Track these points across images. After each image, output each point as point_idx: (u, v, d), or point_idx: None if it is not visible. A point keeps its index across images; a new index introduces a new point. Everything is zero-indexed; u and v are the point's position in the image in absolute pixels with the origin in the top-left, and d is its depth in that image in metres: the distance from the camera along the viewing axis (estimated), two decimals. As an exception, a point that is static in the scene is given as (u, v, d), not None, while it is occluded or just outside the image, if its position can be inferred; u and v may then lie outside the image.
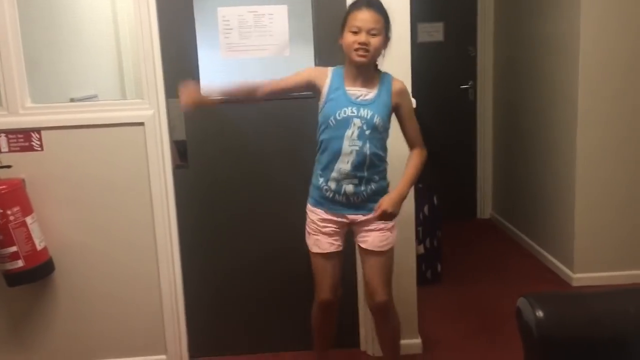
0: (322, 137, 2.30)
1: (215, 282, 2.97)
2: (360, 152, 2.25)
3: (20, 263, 2.59)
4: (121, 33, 4.15)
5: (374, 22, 2.19)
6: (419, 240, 3.73)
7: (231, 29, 2.73)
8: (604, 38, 3.53)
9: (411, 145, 2.39)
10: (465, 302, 3.61)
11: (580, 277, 3.72)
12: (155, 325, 2.92)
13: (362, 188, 2.30)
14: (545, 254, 4.12)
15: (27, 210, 2.63)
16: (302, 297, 2.70)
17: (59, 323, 2.88)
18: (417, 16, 4.54)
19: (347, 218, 2.35)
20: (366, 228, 2.35)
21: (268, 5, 2.73)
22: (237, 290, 2.98)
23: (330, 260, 2.39)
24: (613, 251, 3.73)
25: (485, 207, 5.30)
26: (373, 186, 2.31)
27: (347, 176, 2.27)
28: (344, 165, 2.26)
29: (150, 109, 2.74)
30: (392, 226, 2.37)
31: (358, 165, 2.26)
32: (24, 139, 2.71)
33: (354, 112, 2.24)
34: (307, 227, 2.42)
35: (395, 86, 2.31)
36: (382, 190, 2.35)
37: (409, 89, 2.76)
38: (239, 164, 2.88)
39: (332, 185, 2.30)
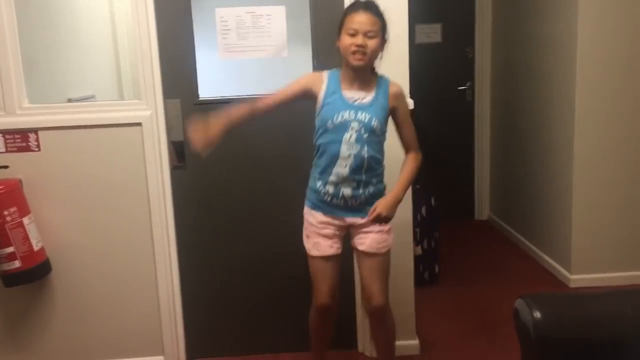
0: (320, 141, 2.30)
1: (212, 283, 2.97)
2: (358, 156, 2.25)
3: (17, 264, 2.58)
4: (119, 33, 4.15)
5: (370, 24, 2.19)
6: (417, 241, 3.73)
7: (229, 29, 2.73)
8: (601, 39, 3.53)
9: (407, 149, 2.40)
10: (462, 303, 3.61)
11: (578, 278, 3.72)
12: (152, 326, 2.91)
13: (360, 191, 2.30)
14: (543, 255, 4.13)
15: (24, 210, 2.62)
16: (299, 298, 2.70)
17: (56, 324, 2.88)
18: (415, 17, 4.54)
19: (345, 221, 2.35)
20: (364, 230, 2.35)
21: (266, 6, 2.73)
22: (234, 291, 2.98)
23: (329, 263, 2.39)
24: (610, 252, 3.73)
25: (483, 208, 5.31)
26: (371, 189, 2.32)
27: (345, 180, 2.27)
28: (342, 169, 2.26)
29: (147, 110, 2.74)
30: (389, 229, 2.38)
31: (356, 169, 2.26)
32: (21, 139, 2.71)
33: (351, 116, 2.24)
34: (304, 231, 2.41)
35: (393, 89, 2.31)
36: (380, 193, 2.35)
37: (407, 90, 2.77)
38: (237, 165, 2.88)
39: (330, 188, 2.30)
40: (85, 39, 3.83)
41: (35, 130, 2.71)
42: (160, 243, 2.83)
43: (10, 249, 2.56)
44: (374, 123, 2.24)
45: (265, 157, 2.86)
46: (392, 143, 2.41)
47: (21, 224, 2.59)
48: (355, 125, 2.23)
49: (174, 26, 2.72)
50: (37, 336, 2.88)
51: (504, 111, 4.87)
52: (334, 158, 2.26)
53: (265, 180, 2.89)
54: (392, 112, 2.32)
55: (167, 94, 2.75)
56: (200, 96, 2.79)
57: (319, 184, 2.32)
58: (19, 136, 2.71)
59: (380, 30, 2.23)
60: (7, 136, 2.70)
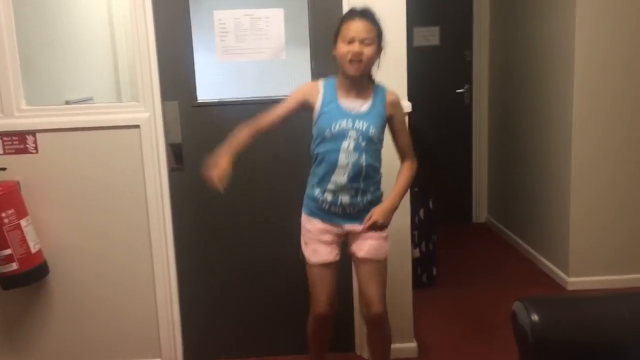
0: (318, 150, 2.29)
1: (210, 286, 2.96)
2: (356, 164, 2.25)
3: (14, 266, 2.58)
4: (117, 35, 4.15)
5: (366, 31, 2.19)
6: (415, 244, 3.73)
7: (227, 32, 2.73)
8: (599, 41, 3.54)
9: (402, 156, 2.40)
10: (460, 306, 3.61)
11: (575, 281, 3.73)
12: (150, 329, 2.91)
13: (359, 199, 2.30)
14: (541, 257, 4.13)
15: (21, 212, 2.62)
16: (298, 300, 2.70)
17: (54, 326, 2.87)
18: (414, 20, 4.55)
19: (343, 228, 2.35)
20: (362, 237, 2.35)
21: (264, 8, 2.73)
22: (232, 293, 2.98)
23: (327, 270, 2.38)
24: (608, 255, 3.74)
25: (481, 211, 5.31)
26: (369, 197, 2.32)
27: (344, 188, 2.27)
28: (341, 177, 2.26)
29: (145, 112, 2.74)
30: (386, 236, 2.38)
31: (354, 177, 2.26)
32: (19, 141, 2.71)
33: (349, 125, 2.24)
34: (302, 238, 2.41)
35: (389, 97, 2.32)
36: (377, 201, 2.36)
37: (405, 93, 2.78)
38: (235, 168, 2.87)
39: (329, 196, 2.30)
40: (83, 41, 3.83)
41: (33, 132, 2.71)
42: (158, 245, 2.83)
43: (8, 251, 2.56)
44: (372, 131, 2.25)
45: (264, 160, 2.86)
46: (389, 150, 2.41)
47: (19, 226, 2.59)
48: (353, 133, 2.23)
49: (172, 28, 2.72)
50: (35, 338, 2.88)
51: (502, 114, 4.88)
52: (333, 167, 2.26)
53: (264, 183, 2.89)
54: (389, 120, 2.32)
55: (165, 96, 2.75)
56: (198, 98, 2.79)
57: (317, 191, 2.32)
58: (16, 138, 2.70)
59: (377, 37, 2.23)
60: (4, 138, 2.70)
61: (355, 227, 2.34)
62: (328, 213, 2.32)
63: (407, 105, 2.77)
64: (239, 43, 2.74)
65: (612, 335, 1.66)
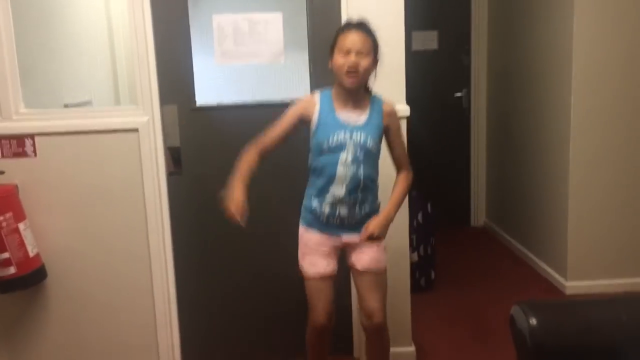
0: (316, 162, 2.30)
1: (209, 291, 2.95)
2: (354, 177, 2.25)
3: (12, 270, 2.57)
4: (116, 39, 4.15)
5: (362, 43, 2.20)
6: (413, 247, 3.73)
7: (226, 35, 2.74)
8: (597, 45, 3.55)
9: (398, 167, 2.41)
10: (458, 310, 3.61)
11: (574, 285, 3.73)
12: (148, 334, 2.90)
13: (357, 210, 2.30)
14: (539, 261, 4.13)
15: (19, 216, 2.62)
16: (297, 306, 2.69)
17: (51, 330, 2.87)
18: (412, 24, 4.56)
19: (341, 239, 2.35)
20: (361, 249, 2.35)
21: (263, 12, 2.74)
22: (231, 298, 2.97)
23: (325, 283, 2.37)
24: (606, 259, 3.74)
25: (479, 215, 5.32)
26: (367, 208, 2.32)
27: (342, 200, 2.27)
28: (339, 189, 2.26)
29: (144, 116, 2.74)
30: (384, 247, 2.39)
31: (353, 189, 2.27)
32: (18, 144, 2.71)
33: (346, 137, 2.24)
34: (300, 250, 2.40)
35: (386, 108, 2.32)
36: (375, 211, 2.36)
37: (403, 97, 2.78)
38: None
39: (327, 208, 2.30)
40: (82, 44, 3.83)
41: (31, 136, 2.71)
42: (156, 249, 2.82)
43: (6, 255, 2.55)
44: (370, 143, 2.25)
45: (263, 168, 2.85)
46: (385, 161, 2.42)
47: (17, 230, 2.58)
48: (350, 146, 2.24)
49: (171, 32, 2.73)
50: (32, 342, 2.87)
51: (500, 118, 4.88)
52: (331, 179, 2.26)
53: (262, 186, 2.87)
54: (385, 131, 2.32)
55: (164, 99, 2.76)
56: (197, 102, 2.79)
57: (314, 203, 2.32)
58: (15, 141, 2.70)
59: (373, 49, 2.24)
60: (3, 141, 2.70)
61: (353, 238, 2.34)
62: (326, 224, 2.33)
63: (405, 109, 2.77)
64: (238, 47, 2.75)
65: (610, 340, 1.66)
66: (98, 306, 2.86)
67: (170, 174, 2.82)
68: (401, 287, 2.93)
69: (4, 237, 2.53)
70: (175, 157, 2.82)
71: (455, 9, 5.06)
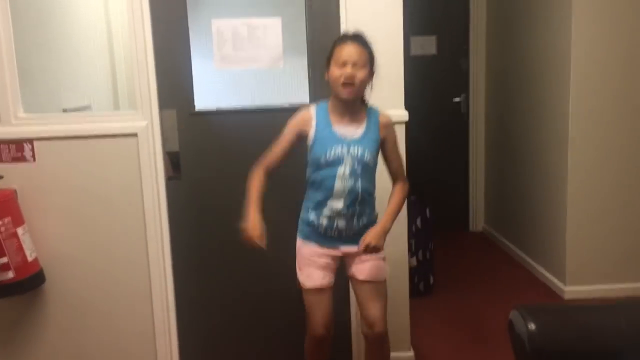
0: (313, 176, 2.30)
1: (208, 297, 2.94)
2: (352, 190, 2.26)
3: (10, 274, 2.57)
4: (115, 43, 4.16)
5: (359, 55, 2.20)
6: (412, 252, 3.73)
7: (225, 40, 2.74)
8: (595, 51, 3.56)
9: (394, 178, 2.41)
10: (457, 315, 3.61)
11: (573, 290, 3.73)
12: (146, 341, 2.88)
13: (354, 222, 2.31)
14: (538, 266, 4.13)
15: (18, 221, 2.61)
16: (296, 315, 2.68)
17: (49, 335, 2.86)
18: (410, 29, 4.58)
19: (340, 250, 2.35)
20: (361, 259, 2.35)
21: (262, 17, 2.74)
22: (230, 306, 2.95)
23: (323, 295, 2.37)
24: (605, 264, 3.74)
25: (478, 220, 5.32)
26: (364, 219, 2.33)
27: (340, 213, 2.28)
28: (337, 203, 2.27)
29: (143, 120, 2.74)
30: (384, 257, 2.39)
31: (351, 203, 2.27)
32: (16, 149, 2.71)
33: (344, 151, 2.24)
34: (297, 263, 2.40)
35: (383, 119, 2.32)
36: (372, 223, 2.36)
37: (402, 102, 2.79)
38: (232, 176, 2.87)
39: (324, 221, 2.30)
40: (81, 48, 3.83)
41: (30, 141, 2.71)
42: (154, 254, 2.82)
43: (4, 260, 2.54)
44: (367, 157, 2.26)
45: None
46: (381, 172, 2.42)
47: (15, 234, 2.58)
48: (348, 160, 2.24)
49: (171, 37, 2.73)
50: (30, 347, 2.86)
51: (499, 122, 4.89)
52: (329, 193, 2.27)
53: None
54: (382, 143, 2.32)
55: (163, 104, 2.75)
56: (196, 107, 2.80)
57: (312, 216, 2.32)
58: (14, 146, 2.70)
59: (369, 61, 2.24)
60: (2, 146, 2.69)
61: (352, 249, 2.34)
62: (324, 237, 2.33)
63: (404, 114, 2.78)
64: (237, 52, 2.75)
65: (609, 345, 1.66)
66: (96, 312, 2.85)
67: (169, 179, 2.82)
68: (400, 291, 2.93)
69: (2, 241, 2.53)
70: (174, 162, 2.82)
71: (453, 14, 5.08)
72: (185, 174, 2.83)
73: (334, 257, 2.36)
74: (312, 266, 2.35)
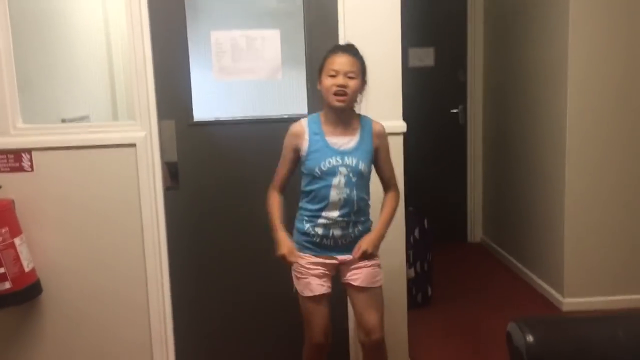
0: (309, 187, 2.31)
1: (205, 308, 2.93)
2: (348, 200, 2.27)
3: (7, 285, 2.56)
4: (114, 54, 4.17)
5: (350, 65, 2.23)
6: (410, 263, 3.72)
7: (224, 52, 2.75)
8: (592, 63, 3.58)
9: (386, 187, 2.43)
10: (455, 326, 3.60)
11: (571, 302, 3.72)
12: (143, 352, 2.87)
13: (350, 231, 2.32)
14: (536, 278, 4.13)
15: (15, 231, 2.61)
16: (294, 325, 2.68)
17: (45, 346, 2.84)
18: (409, 41, 4.60)
19: (336, 259, 2.36)
20: (356, 267, 2.36)
21: (261, 29, 2.76)
22: (227, 316, 2.95)
23: (321, 303, 2.38)
24: (603, 276, 3.74)
25: (476, 231, 5.32)
26: (360, 227, 2.34)
27: (336, 222, 2.29)
28: (333, 213, 2.28)
29: (142, 131, 2.75)
30: (379, 264, 2.40)
31: (346, 213, 2.29)
32: (15, 159, 2.71)
33: (338, 162, 2.26)
34: (294, 272, 2.40)
35: (376, 128, 2.34)
36: (367, 230, 2.38)
37: (400, 113, 2.80)
38: (230, 186, 2.88)
39: (320, 230, 2.31)
40: (80, 59, 3.84)
41: (28, 151, 2.71)
42: (152, 265, 2.81)
43: (1, 270, 2.53)
44: (361, 166, 2.28)
45: (259, 178, 2.85)
46: (376, 183, 2.43)
47: (12, 245, 2.57)
48: (343, 170, 2.26)
49: (170, 48, 2.74)
50: (27, 358, 2.84)
51: (496, 134, 4.91)
52: (325, 203, 2.28)
53: (259, 201, 2.87)
54: (375, 151, 2.34)
55: (162, 115, 2.76)
56: (194, 117, 2.80)
57: (307, 226, 2.33)
58: (12, 156, 2.70)
59: (360, 72, 2.27)
60: (0, 156, 2.70)
61: (348, 257, 2.35)
62: (320, 246, 2.33)
63: (402, 125, 2.79)
64: (236, 63, 2.76)
65: (606, 357, 1.66)
66: (93, 323, 2.84)
67: (167, 189, 2.82)
68: (398, 303, 2.93)
69: (-1, 251, 2.53)
70: (172, 172, 2.82)
71: (451, 26, 5.10)
72: (184, 184, 2.83)
73: (330, 266, 2.37)
74: (309, 275, 2.35)
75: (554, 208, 3.84)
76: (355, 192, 2.27)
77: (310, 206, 2.32)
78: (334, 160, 2.26)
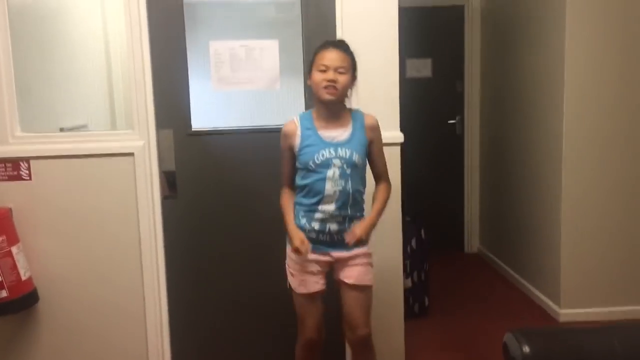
0: (303, 181, 2.33)
1: (202, 317, 2.93)
2: (343, 192, 2.28)
3: (4, 293, 2.56)
4: (113, 63, 4.17)
5: (340, 60, 2.25)
6: (407, 273, 3.72)
7: (223, 62, 2.77)
8: (588, 74, 3.60)
9: (378, 179, 2.44)
10: (452, 336, 3.60)
11: (567, 313, 3.72)
12: (139, 361, 2.87)
13: (347, 225, 2.33)
14: (533, 288, 4.13)
15: (13, 239, 2.61)
16: (291, 334, 2.68)
17: (41, 355, 2.83)
18: (406, 52, 4.62)
19: (331, 256, 2.37)
20: (349, 264, 2.37)
21: (260, 40, 2.77)
22: (224, 325, 2.94)
23: (315, 300, 2.40)
24: (600, 287, 3.74)
25: (473, 241, 5.32)
26: (356, 222, 2.35)
27: (332, 216, 2.30)
28: (329, 206, 2.29)
29: (140, 140, 2.75)
30: (371, 262, 2.41)
31: (343, 205, 2.30)
32: (13, 167, 2.71)
33: (332, 154, 2.28)
34: (288, 269, 2.42)
35: (368, 121, 2.36)
36: None
37: (397, 123, 2.81)
38: (228, 195, 2.88)
39: (316, 225, 2.32)
40: (79, 68, 3.85)
41: (27, 159, 2.71)
42: (149, 275, 2.81)
43: (-2, 278, 2.54)
44: (355, 158, 2.29)
45: (256, 187, 2.87)
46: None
47: (9, 253, 2.57)
48: (337, 162, 2.27)
49: (168, 57, 2.75)
50: (22, 367, 2.84)
51: (493, 145, 4.92)
52: (320, 197, 2.29)
53: (256, 210, 2.89)
54: (368, 144, 2.36)
55: (160, 124, 2.77)
56: (193, 127, 2.81)
57: (303, 221, 2.34)
58: (10, 165, 2.71)
59: (351, 67, 2.29)
60: (-2, 164, 2.70)
61: (342, 254, 2.36)
62: (315, 242, 2.34)
63: (399, 136, 2.80)
64: (235, 73, 2.78)
65: (603, 368, 1.66)
66: (89, 332, 2.83)
67: (165, 198, 2.83)
68: (395, 313, 2.93)
69: (-4, 260, 2.52)
70: (170, 181, 2.82)
71: (448, 37, 5.13)
72: (181, 194, 2.83)
73: (324, 263, 2.38)
74: (304, 272, 2.37)
75: (550, 219, 3.85)
76: (350, 183, 2.29)
77: (305, 200, 2.33)
78: (327, 153, 2.27)
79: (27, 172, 2.72)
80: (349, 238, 2.31)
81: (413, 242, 3.78)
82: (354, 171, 2.30)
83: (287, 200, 2.41)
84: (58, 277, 2.78)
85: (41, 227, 2.75)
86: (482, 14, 5.03)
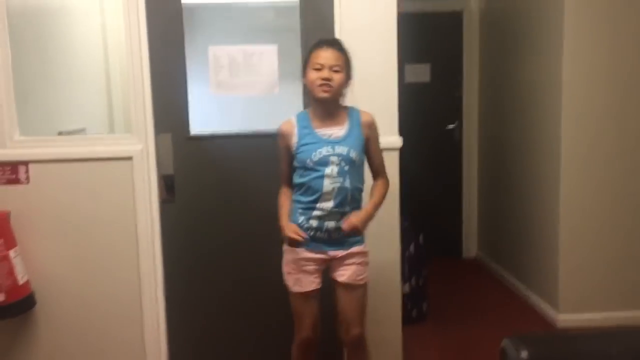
0: (301, 179, 2.33)
1: (199, 319, 2.93)
2: (342, 189, 2.29)
3: (1, 297, 2.55)
4: (112, 67, 4.18)
5: (335, 59, 2.26)
6: (405, 279, 3.72)
7: (222, 66, 2.77)
8: (586, 79, 3.60)
9: (375, 175, 2.45)
10: (450, 342, 3.59)
11: (566, 318, 3.72)
12: (137, 364, 2.87)
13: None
14: (530, 294, 4.13)
15: (10, 243, 2.61)
16: (288, 335, 2.68)
17: (39, 359, 2.83)
18: (405, 57, 4.63)
19: (328, 254, 2.37)
20: (345, 263, 2.37)
21: (259, 44, 2.78)
22: (221, 327, 2.95)
23: (311, 299, 2.41)
24: (598, 292, 3.74)
25: (471, 246, 5.32)
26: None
27: (331, 213, 2.31)
28: (327, 203, 2.30)
29: (138, 144, 2.75)
30: (367, 262, 2.41)
31: (340, 203, 2.30)
32: (11, 171, 2.71)
33: (329, 151, 2.29)
34: (285, 267, 2.42)
35: (365, 118, 2.37)
36: None
37: (396, 128, 2.81)
38: (226, 199, 2.88)
39: (314, 223, 2.32)
40: (78, 72, 3.85)
41: (25, 163, 2.71)
42: (147, 279, 2.81)
43: (-5, 282, 2.53)
44: (352, 155, 2.30)
45: (254, 191, 2.87)
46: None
47: (7, 257, 2.57)
48: (335, 159, 2.28)
49: (167, 62, 2.76)
50: (19, 371, 2.83)
51: (492, 150, 4.93)
52: (318, 194, 2.30)
53: (254, 214, 2.89)
54: (366, 141, 2.36)
55: (159, 128, 2.77)
56: (191, 131, 2.81)
57: (301, 219, 2.34)
58: (8, 168, 2.70)
59: (345, 65, 2.30)
60: (-4, 168, 2.70)
61: (339, 252, 2.36)
62: (313, 240, 2.34)
63: (397, 141, 2.81)
64: (233, 78, 2.78)
65: (600, 374, 1.66)
66: (87, 336, 2.83)
67: (163, 202, 2.83)
68: (393, 318, 2.92)
69: (-7, 264, 2.52)
70: (168, 185, 2.82)
71: (447, 42, 5.14)
72: (179, 197, 2.83)
73: (320, 261, 2.38)
74: (300, 271, 2.37)
75: (549, 224, 3.85)
76: (349, 180, 2.29)
77: (303, 198, 2.34)
78: (324, 150, 2.28)
79: (26, 175, 2.71)
80: (345, 225, 2.31)
81: (411, 248, 3.78)
82: (352, 168, 2.30)
83: (284, 198, 2.42)
84: (56, 281, 2.78)
85: (39, 231, 2.74)
86: (480, 19, 5.04)
